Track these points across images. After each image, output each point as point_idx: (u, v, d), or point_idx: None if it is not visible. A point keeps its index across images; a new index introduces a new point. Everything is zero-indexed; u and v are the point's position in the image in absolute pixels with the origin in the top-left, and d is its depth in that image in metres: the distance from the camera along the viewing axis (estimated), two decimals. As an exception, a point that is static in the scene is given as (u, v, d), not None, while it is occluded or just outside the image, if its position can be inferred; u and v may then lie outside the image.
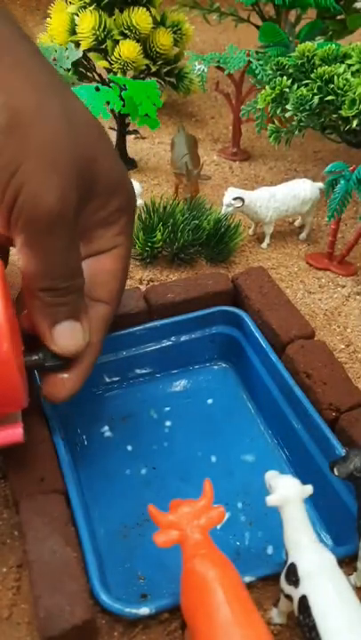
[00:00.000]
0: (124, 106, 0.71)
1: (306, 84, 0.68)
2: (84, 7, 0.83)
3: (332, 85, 0.65)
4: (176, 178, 0.74)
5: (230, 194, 0.66)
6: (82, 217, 0.39)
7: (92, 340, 0.42)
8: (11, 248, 0.47)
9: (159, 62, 0.90)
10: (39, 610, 0.35)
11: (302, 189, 0.68)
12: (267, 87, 0.71)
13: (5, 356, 0.36)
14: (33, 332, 0.42)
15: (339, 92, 0.65)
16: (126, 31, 0.83)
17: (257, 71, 0.77)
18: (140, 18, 0.82)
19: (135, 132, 0.91)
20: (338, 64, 0.67)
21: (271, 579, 0.39)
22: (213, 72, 0.90)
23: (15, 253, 0.42)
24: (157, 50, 0.87)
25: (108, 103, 0.70)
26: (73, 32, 0.85)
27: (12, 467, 0.42)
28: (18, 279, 0.42)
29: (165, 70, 0.94)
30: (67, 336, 0.40)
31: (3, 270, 0.38)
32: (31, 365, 0.42)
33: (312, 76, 0.67)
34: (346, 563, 0.41)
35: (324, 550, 0.35)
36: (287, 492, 0.37)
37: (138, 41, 0.84)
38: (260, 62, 0.77)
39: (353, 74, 0.66)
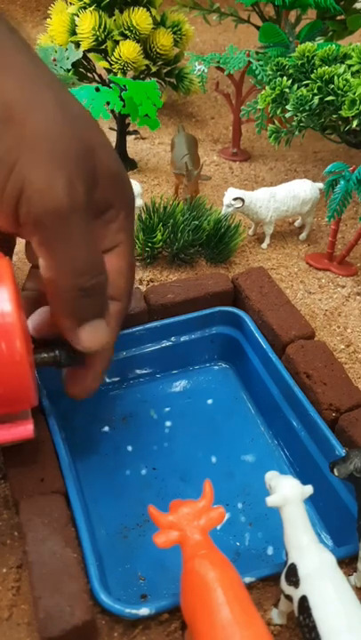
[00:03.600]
0: (124, 106, 0.71)
1: (306, 85, 0.68)
2: (84, 8, 0.83)
3: (332, 86, 0.65)
4: (176, 178, 0.74)
5: (230, 194, 0.66)
6: None
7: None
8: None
9: (159, 63, 0.90)
10: (39, 610, 0.35)
11: (302, 190, 0.68)
12: (267, 87, 0.71)
13: (18, 356, 0.36)
14: (46, 334, 0.42)
15: (339, 92, 0.65)
16: (126, 32, 0.83)
17: (257, 71, 0.77)
18: (141, 18, 0.82)
19: (135, 132, 0.91)
20: (338, 64, 0.67)
21: (271, 579, 0.39)
22: (213, 72, 0.90)
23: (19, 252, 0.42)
24: (157, 50, 0.87)
25: (108, 104, 0.70)
26: (73, 32, 0.85)
27: (12, 467, 0.42)
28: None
29: (165, 71, 0.94)
30: (92, 336, 0.40)
31: (12, 269, 0.38)
32: (46, 363, 0.42)
33: (312, 76, 0.67)
34: (346, 563, 0.41)
35: (324, 551, 0.35)
36: (287, 492, 0.37)
37: (138, 41, 0.84)
38: (261, 63, 0.77)
39: (353, 74, 0.66)
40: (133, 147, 0.89)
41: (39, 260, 0.37)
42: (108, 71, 0.87)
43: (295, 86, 0.69)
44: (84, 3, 0.83)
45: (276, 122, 0.73)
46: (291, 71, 0.70)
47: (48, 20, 0.88)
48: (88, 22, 0.82)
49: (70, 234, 0.36)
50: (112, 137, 0.85)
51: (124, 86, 0.71)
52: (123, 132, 0.81)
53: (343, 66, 0.66)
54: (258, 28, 0.85)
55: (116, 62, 0.83)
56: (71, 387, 0.45)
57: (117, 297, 0.43)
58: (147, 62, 0.87)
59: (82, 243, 0.36)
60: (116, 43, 0.83)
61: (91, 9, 0.82)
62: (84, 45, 0.84)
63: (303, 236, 0.72)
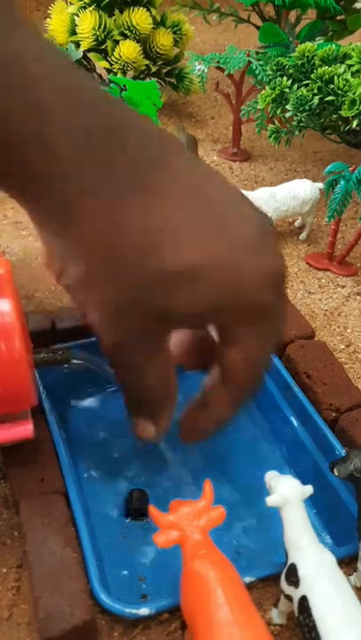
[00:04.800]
0: (124, 106, 0.71)
1: (306, 85, 0.68)
2: (84, 7, 0.83)
3: (333, 86, 0.65)
4: (176, 178, 0.74)
5: (230, 194, 0.66)
6: None
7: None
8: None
9: (159, 62, 0.90)
10: (39, 610, 0.35)
11: (302, 190, 0.68)
12: (267, 87, 0.71)
13: (18, 356, 0.36)
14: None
15: (339, 92, 0.65)
16: (126, 31, 0.83)
17: (257, 71, 0.77)
18: (140, 18, 0.82)
19: (135, 132, 0.91)
20: (338, 64, 0.67)
21: (271, 579, 0.39)
22: (213, 72, 0.90)
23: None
24: (157, 50, 0.87)
25: (108, 103, 0.70)
26: (73, 32, 0.85)
27: (12, 467, 0.42)
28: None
29: (165, 71, 0.94)
30: (139, 429, 0.39)
31: (10, 270, 0.38)
32: (46, 363, 0.43)
33: (312, 76, 0.67)
34: (346, 563, 0.41)
35: (324, 551, 0.35)
36: (287, 492, 0.37)
37: (138, 41, 0.84)
38: (261, 63, 0.77)
39: (353, 74, 0.66)
40: (133, 147, 0.88)
41: None
42: (108, 71, 0.87)
43: (295, 86, 0.69)
44: (84, 2, 0.83)
45: (276, 122, 0.73)
46: (291, 71, 0.70)
47: (48, 19, 0.88)
48: (88, 22, 0.82)
49: (125, 363, 0.35)
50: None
51: (124, 86, 0.71)
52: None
53: (343, 66, 0.66)
54: (258, 27, 0.85)
55: (116, 62, 0.83)
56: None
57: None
58: (147, 62, 0.87)
59: (139, 368, 0.36)
60: (116, 43, 0.83)
61: (91, 9, 0.82)
62: (84, 45, 0.84)
63: (303, 236, 0.72)
